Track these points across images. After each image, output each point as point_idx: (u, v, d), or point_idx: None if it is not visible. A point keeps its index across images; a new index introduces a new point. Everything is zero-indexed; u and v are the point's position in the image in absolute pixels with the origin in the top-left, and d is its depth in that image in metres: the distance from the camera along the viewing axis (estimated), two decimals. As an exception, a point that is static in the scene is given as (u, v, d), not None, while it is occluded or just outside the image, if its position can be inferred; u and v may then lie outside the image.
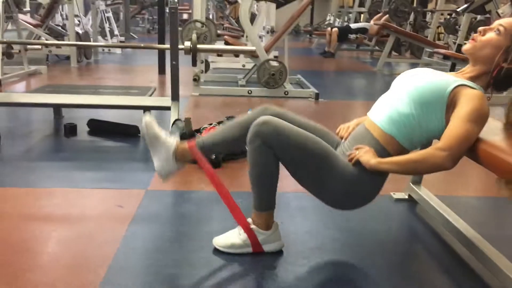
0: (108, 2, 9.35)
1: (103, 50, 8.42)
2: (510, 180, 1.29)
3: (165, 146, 1.74)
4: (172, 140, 1.76)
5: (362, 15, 11.43)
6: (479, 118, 1.48)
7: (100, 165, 2.56)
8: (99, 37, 8.62)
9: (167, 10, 5.06)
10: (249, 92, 4.77)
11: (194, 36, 2.70)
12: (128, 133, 3.09)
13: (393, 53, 8.87)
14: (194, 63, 2.78)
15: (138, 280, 1.51)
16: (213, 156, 2.55)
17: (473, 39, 1.62)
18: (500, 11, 4.48)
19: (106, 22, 8.92)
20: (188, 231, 1.86)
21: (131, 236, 1.79)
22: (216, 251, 1.70)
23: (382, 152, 1.58)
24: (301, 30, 14.15)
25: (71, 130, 3.07)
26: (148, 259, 1.64)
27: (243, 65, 6.66)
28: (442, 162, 1.45)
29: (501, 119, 1.67)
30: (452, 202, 2.07)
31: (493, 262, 1.53)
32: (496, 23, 1.59)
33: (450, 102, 1.53)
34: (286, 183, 2.39)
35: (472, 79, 1.59)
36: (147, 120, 1.76)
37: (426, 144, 1.66)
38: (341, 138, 1.77)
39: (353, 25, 9.27)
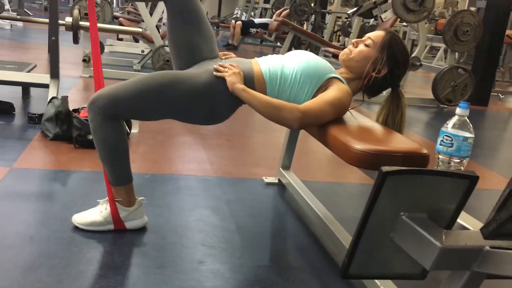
0: (-1, -27, 8.65)
1: (-10, 24, 7.78)
2: None
3: None
4: None
5: (267, 11, 11.67)
6: (338, 107, 1.61)
7: (-38, 142, 2.39)
8: (-14, 10, 7.94)
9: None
10: (143, 77, 4.69)
11: (75, 12, 2.60)
12: (1, 110, 2.91)
13: (293, 50, 9.18)
14: (75, 40, 2.68)
15: (-17, 257, 1.44)
16: (91, 137, 2.48)
17: (348, 49, 1.75)
18: (383, 16, 4.83)
19: (-6, -5, 8.24)
20: (49, 210, 1.81)
21: (-17, 213, 1.70)
22: (76, 229, 1.67)
23: (249, 83, 1.63)
24: (209, 22, 14.13)
25: None
26: (3, 237, 1.57)
27: (142, 51, 6.51)
28: (293, 120, 1.55)
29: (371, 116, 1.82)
30: (316, 187, 2.22)
31: (337, 237, 1.66)
32: (366, 36, 1.74)
33: (324, 85, 1.64)
34: (163, 165, 2.43)
35: (346, 80, 1.71)
36: None
37: None
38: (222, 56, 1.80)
39: (257, 20, 9.46)
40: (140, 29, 3.76)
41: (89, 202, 1.79)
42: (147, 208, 1.79)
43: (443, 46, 8.93)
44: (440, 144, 1.14)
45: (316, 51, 8.47)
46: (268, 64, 1.70)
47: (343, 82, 1.68)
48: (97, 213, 1.68)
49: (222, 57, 1.80)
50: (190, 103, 1.59)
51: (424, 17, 4.78)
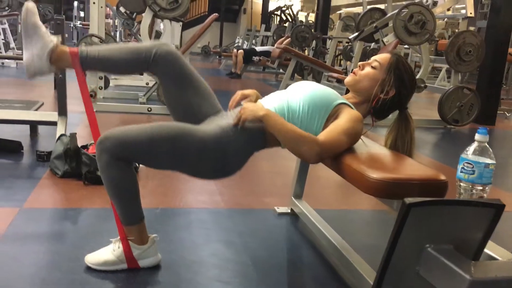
0: (4, 13, 8.84)
1: (-4, 63, 7.91)
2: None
3: (43, 40, 1.56)
4: (52, 38, 1.60)
5: (268, 39, 11.82)
6: (352, 135, 1.59)
7: (-28, 183, 2.38)
8: (-8, 49, 8.10)
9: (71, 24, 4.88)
10: (149, 109, 4.72)
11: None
12: (9, 149, 2.91)
13: (297, 76, 9.25)
14: (82, 77, 2.70)
15: (-4, 303, 1.41)
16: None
17: (353, 73, 1.75)
18: (385, 39, 4.86)
19: (0, 34, 8.40)
20: (61, 250, 1.78)
21: (-5, 256, 1.68)
22: (89, 269, 1.63)
23: (260, 128, 1.59)
24: (211, 51, 14.30)
25: None
26: (14, 281, 1.54)
27: (147, 83, 6.58)
28: (311, 155, 1.52)
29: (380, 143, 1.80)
30: (330, 215, 2.18)
31: (356, 269, 1.62)
32: (372, 59, 1.74)
33: (333, 113, 1.62)
34: (173, 199, 2.40)
35: (354, 105, 1.70)
36: (30, 6, 1.57)
37: None
38: (230, 108, 1.75)
39: (258, 48, 9.56)
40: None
41: (101, 241, 1.76)
42: (160, 244, 1.76)
43: (444, 66, 8.97)
44: (461, 172, 1.12)
45: (319, 76, 8.53)
46: (273, 103, 1.68)
47: (351, 108, 1.66)
48: (109, 252, 1.65)
49: (230, 108, 1.75)
50: (200, 156, 1.56)
51: (425, 39, 4.81)
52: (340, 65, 11.39)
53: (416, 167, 1.46)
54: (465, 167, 1.09)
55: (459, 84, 5.26)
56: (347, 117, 1.60)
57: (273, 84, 8.79)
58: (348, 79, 1.76)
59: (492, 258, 1.15)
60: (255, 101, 1.77)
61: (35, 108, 3.30)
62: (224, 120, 1.65)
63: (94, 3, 4.49)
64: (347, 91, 1.81)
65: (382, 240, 2.14)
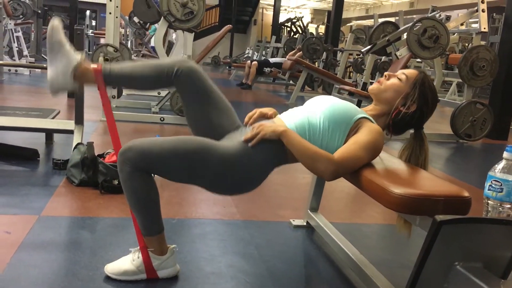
0: (18, 21, 8.96)
1: (9, 70, 8.00)
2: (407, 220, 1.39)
3: (67, 57, 1.59)
4: (77, 55, 1.61)
5: (279, 50, 11.87)
6: (372, 150, 1.59)
7: (-10, 190, 2.40)
8: (6, 57, 8.20)
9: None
10: (162, 119, 4.74)
11: (100, 59, 2.66)
12: (25, 157, 2.93)
13: (307, 88, 9.28)
14: (100, 87, 2.72)
15: (17, 311, 1.42)
16: (116, 182, 2.49)
17: (378, 82, 1.76)
18: (398, 53, 4.87)
19: (14, 42, 8.51)
20: (80, 259, 1.78)
21: (15, 264, 1.68)
22: (108, 279, 1.64)
23: (278, 142, 1.59)
24: (221, 61, 14.38)
25: (-39, 152, 2.86)
26: (32, 288, 1.55)
27: (159, 93, 6.62)
28: (325, 173, 1.53)
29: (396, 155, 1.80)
30: (345, 229, 2.18)
31: (375, 283, 1.61)
32: (400, 72, 1.75)
33: (354, 128, 1.63)
34: (188, 209, 2.41)
35: (373, 117, 1.71)
36: (55, 24, 1.59)
37: None
38: (245, 124, 1.75)
39: (271, 59, 9.60)
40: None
41: (119, 250, 1.77)
42: (177, 255, 1.76)
43: (455, 80, 8.96)
44: (489, 189, 1.11)
45: (329, 88, 8.54)
46: (293, 119, 1.68)
47: (372, 121, 1.66)
48: (129, 262, 1.65)
49: (247, 124, 1.76)
50: (220, 172, 1.56)
51: (439, 53, 4.81)
52: (349, 78, 11.40)
53: (438, 183, 1.46)
54: (493, 185, 1.09)
55: (472, 99, 5.25)
56: (367, 132, 1.60)
57: (283, 96, 8.81)
58: (372, 86, 1.77)
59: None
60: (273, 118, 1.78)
61: (51, 116, 3.33)
62: (243, 136, 1.65)
63: (110, 13, 4.53)
64: (359, 103, 1.83)
65: (399, 254, 2.15)
